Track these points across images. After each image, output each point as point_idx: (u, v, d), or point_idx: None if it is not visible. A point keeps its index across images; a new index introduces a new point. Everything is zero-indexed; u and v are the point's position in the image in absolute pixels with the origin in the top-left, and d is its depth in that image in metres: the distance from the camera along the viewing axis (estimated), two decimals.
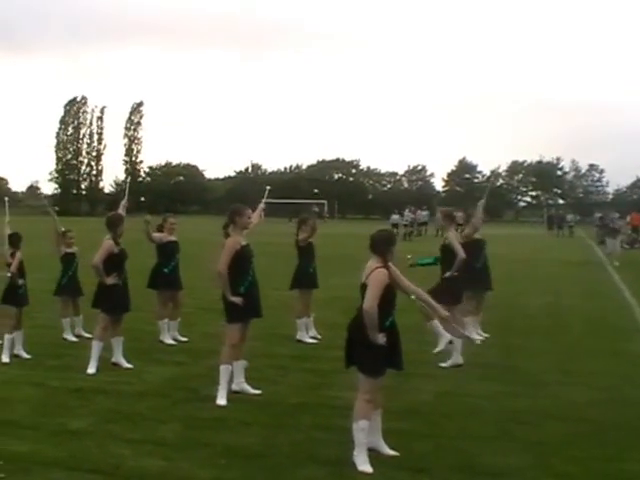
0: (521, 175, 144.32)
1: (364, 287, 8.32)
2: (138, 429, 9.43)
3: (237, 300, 10.78)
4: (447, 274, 13.48)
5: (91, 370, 12.42)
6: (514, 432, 9.50)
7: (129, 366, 12.78)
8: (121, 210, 14.31)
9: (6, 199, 16.30)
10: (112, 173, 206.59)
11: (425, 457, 8.53)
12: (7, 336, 13.40)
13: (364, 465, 8.12)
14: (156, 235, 15.13)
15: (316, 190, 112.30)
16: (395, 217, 67.54)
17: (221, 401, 10.62)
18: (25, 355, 13.53)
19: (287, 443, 8.95)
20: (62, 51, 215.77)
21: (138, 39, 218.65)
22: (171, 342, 14.87)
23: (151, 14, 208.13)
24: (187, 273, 15.71)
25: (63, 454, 8.50)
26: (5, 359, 13.19)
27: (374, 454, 8.37)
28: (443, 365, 13.00)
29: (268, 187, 15.14)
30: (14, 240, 13.71)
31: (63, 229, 15.35)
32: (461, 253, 13.33)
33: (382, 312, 8.17)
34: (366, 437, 8.28)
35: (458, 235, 13.88)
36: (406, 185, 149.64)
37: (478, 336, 15.58)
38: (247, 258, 11.01)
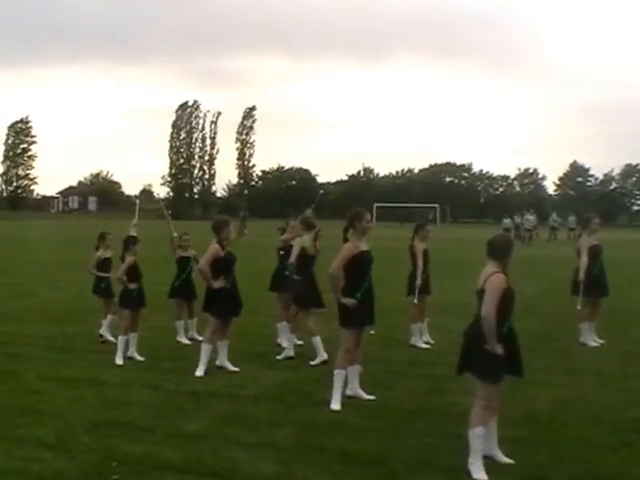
0: (635, 178, 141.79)
1: (481, 293, 8.20)
2: (253, 433, 9.45)
3: (349, 302, 10.66)
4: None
5: (199, 373, 12.51)
6: (635, 442, 9.25)
7: (235, 369, 12.81)
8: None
9: (137, 201, 16.48)
10: (225, 177, 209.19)
11: (542, 466, 8.37)
12: (121, 338, 13.61)
13: (479, 473, 8.00)
14: (282, 238, 15.16)
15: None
16: (507, 221, 66.74)
17: (335, 406, 10.58)
18: (139, 357, 13.67)
19: (402, 449, 8.88)
20: (176, 56, 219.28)
21: (252, 45, 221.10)
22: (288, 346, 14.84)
23: (265, 20, 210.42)
24: None
25: (178, 457, 8.55)
26: (119, 361, 13.34)
27: (489, 462, 8.24)
28: (309, 362, 13.22)
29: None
30: (126, 244, 13.92)
31: (175, 234, 15.51)
32: (293, 258, 13.15)
33: (500, 317, 8.04)
34: (482, 444, 8.17)
35: (308, 240, 13.74)
36: (518, 189, 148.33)
37: (594, 342, 15.36)
38: (366, 264, 10.87)
